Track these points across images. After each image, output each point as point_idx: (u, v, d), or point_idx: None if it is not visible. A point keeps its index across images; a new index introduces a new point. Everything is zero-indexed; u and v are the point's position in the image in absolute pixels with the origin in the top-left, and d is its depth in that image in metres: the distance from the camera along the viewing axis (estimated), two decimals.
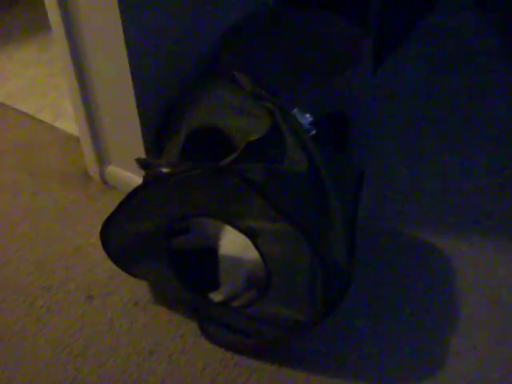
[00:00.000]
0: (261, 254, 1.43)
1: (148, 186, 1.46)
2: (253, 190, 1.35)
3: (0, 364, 1.57)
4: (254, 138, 1.43)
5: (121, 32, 1.54)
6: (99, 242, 1.81)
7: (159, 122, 1.76)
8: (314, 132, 1.56)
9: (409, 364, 1.55)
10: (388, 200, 1.94)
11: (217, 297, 1.60)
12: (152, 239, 1.54)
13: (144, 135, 1.75)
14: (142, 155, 1.79)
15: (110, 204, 1.93)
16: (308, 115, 1.58)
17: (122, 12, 1.51)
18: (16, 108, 2.33)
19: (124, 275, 1.66)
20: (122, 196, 1.92)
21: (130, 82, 1.64)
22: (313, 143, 1.51)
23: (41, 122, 2.27)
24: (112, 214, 1.53)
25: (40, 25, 2.62)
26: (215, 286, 1.62)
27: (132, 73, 1.62)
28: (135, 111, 1.70)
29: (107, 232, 1.57)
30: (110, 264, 1.74)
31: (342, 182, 1.53)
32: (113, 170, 1.96)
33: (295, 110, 1.56)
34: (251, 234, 1.41)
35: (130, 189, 1.89)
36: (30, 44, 2.65)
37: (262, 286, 1.50)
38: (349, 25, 1.92)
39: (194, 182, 1.40)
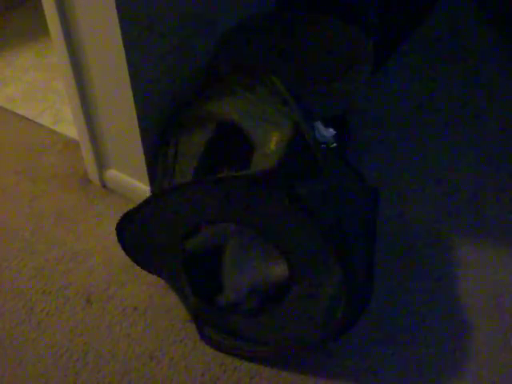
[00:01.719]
0: (289, 268, 1.42)
1: (178, 189, 1.47)
2: (297, 206, 1.32)
3: (0, 368, 1.57)
4: (283, 149, 1.40)
5: (120, 37, 1.54)
6: (99, 247, 1.82)
7: (159, 126, 1.76)
8: (334, 145, 1.55)
9: (407, 369, 1.55)
10: (388, 203, 1.93)
11: (219, 300, 1.59)
12: (170, 241, 1.53)
13: (143, 139, 1.75)
14: (142, 159, 1.79)
15: (109, 208, 1.94)
16: (331, 129, 1.57)
17: (121, 17, 1.51)
18: (16, 112, 2.33)
19: (123, 280, 1.66)
20: (122, 200, 1.94)
21: (128, 86, 1.64)
22: (332, 157, 1.51)
23: (41, 126, 2.27)
24: (135, 209, 1.53)
25: (39, 30, 2.62)
26: (219, 290, 1.60)
27: (131, 77, 1.62)
28: (134, 115, 1.70)
29: (124, 227, 1.57)
30: (109, 269, 1.75)
31: (358, 198, 1.52)
32: (112, 173, 1.96)
33: (318, 123, 1.55)
34: (284, 248, 1.41)
35: (129, 193, 1.91)
36: (30, 49, 2.65)
37: (276, 297, 1.49)
38: (349, 27, 1.92)
39: (228, 191, 1.38)
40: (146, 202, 1.51)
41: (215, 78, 1.76)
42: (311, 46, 1.86)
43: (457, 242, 1.82)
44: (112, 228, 1.87)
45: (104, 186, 2.00)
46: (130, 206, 1.90)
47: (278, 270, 1.49)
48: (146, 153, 1.78)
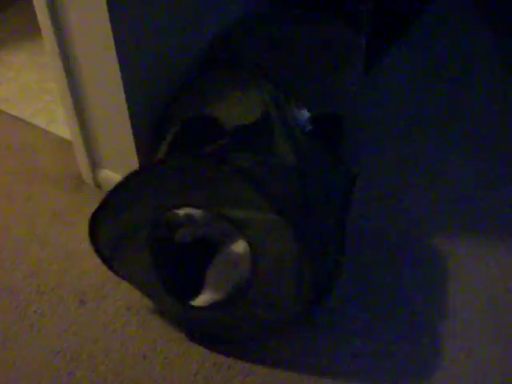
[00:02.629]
0: (249, 245, 1.41)
1: (135, 175, 1.44)
2: (244, 179, 1.33)
3: None
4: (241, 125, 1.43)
5: (111, 37, 1.55)
6: (91, 247, 1.82)
7: (151, 125, 1.76)
8: (309, 128, 1.55)
9: (404, 366, 1.55)
10: (382, 201, 1.94)
11: (198, 302, 1.57)
12: (139, 233, 1.50)
13: (136, 138, 1.75)
14: (134, 158, 1.79)
15: None
16: (306, 111, 1.58)
17: (112, 17, 1.51)
18: (9, 113, 2.33)
19: (117, 280, 1.66)
20: None
21: (120, 86, 1.64)
22: (305, 139, 1.51)
23: (34, 126, 2.26)
24: (99, 207, 1.51)
25: (32, 30, 2.60)
26: (197, 292, 1.59)
27: (123, 77, 1.62)
28: (127, 115, 1.70)
29: (95, 226, 1.55)
30: (103, 268, 1.74)
31: (330, 180, 1.53)
32: (106, 173, 1.96)
33: (293, 105, 1.56)
34: (240, 225, 1.40)
35: None
36: (23, 49, 2.65)
37: (245, 282, 1.47)
38: (342, 26, 1.92)
39: (181, 170, 1.38)
40: (115, 187, 1.49)
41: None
42: (303, 44, 1.87)
43: (450, 238, 1.83)
44: None
45: (97, 185, 2.00)
46: None
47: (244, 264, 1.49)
48: (139, 153, 1.78)
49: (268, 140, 1.46)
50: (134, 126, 1.72)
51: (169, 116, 1.72)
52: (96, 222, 1.55)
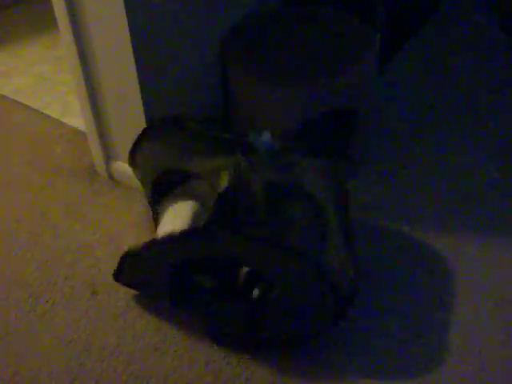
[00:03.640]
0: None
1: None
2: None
3: (5, 358, 1.58)
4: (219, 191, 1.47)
5: (127, 29, 1.55)
6: (105, 238, 1.83)
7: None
8: (274, 148, 1.56)
9: (411, 363, 1.55)
10: (390, 199, 1.93)
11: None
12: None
13: None
14: None
15: (116, 199, 1.95)
16: (266, 133, 1.57)
17: (128, 9, 1.51)
18: (24, 103, 2.34)
19: None
20: (128, 191, 1.95)
21: (135, 78, 1.64)
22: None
23: (48, 117, 2.27)
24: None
25: (47, 22, 2.62)
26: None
27: (138, 69, 1.62)
28: (141, 107, 1.71)
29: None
30: (115, 260, 1.75)
31: (330, 192, 1.55)
32: (119, 165, 1.97)
33: (250, 135, 1.56)
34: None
35: (136, 184, 1.91)
36: (38, 41, 2.66)
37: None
38: (356, 22, 1.91)
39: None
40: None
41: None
42: (318, 40, 1.86)
43: (459, 238, 1.82)
44: (118, 219, 1.89)
45: (111, 177, 2.01)
46: (136, 198, 1.93)
47: None
48: None
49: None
50: (148, 118, 1.72)
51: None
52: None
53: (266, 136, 1.54)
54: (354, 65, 1.78)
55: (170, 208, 1.62)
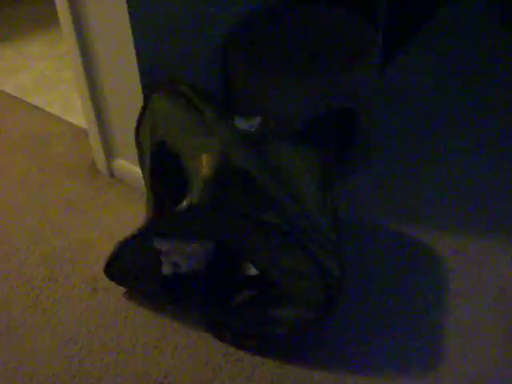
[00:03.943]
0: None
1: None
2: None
3: (5, 355, 1.59)
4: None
5: (129, 26, 1.55)
6: (106, 235, 1.83)
7: None
8: (252, 129, 1.54)
9: (410, 362, 1.55)
10: (391, 199, 1.93)
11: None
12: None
13: None
14: None
15: (117, 197, 1.95)
16: (257, 118, 1.55)
17: (130, 7, 1.51)
18: (25, 101, 2.34)
19: None
20: (129, 189, 1.95)
21: (137, 76, 1.65)
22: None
23: (50, 114, 2.28)
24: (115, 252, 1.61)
25: (50, 19, 2.63)
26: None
27: (139, 67, 1.62)
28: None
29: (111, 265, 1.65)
30: None
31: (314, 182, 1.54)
32: (120, 163, 1.97)
33: (237, 119, 1.54)
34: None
35: (137, 182, 1.92)
36: (40, 38, 2.66)
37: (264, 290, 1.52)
38: (358, 21, 1.91)
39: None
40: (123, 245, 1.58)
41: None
42: (319, 38, 1.86)
43: (460, 237, 1.82)
44: (119, 217, 1.89)
45: (112, 175, 2.01)
46: (137, 195, 1.93)
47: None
48: None
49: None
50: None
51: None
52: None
53: (256, 120, 1.53)
54: (356, 63, 1.78)
55: None
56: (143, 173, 1.71)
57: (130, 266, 1.62)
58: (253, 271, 1.57)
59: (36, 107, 2.31)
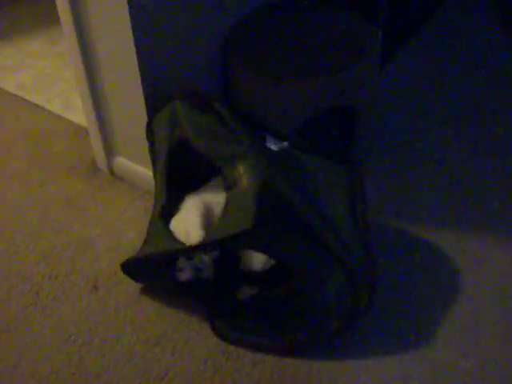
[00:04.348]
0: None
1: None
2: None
3: (5, 352, 1.59)
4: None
5: (129, 25, 1.55)
6: (106, 233, 1.84)
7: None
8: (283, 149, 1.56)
9: (409, 359, 1.55)
10: (392, 196, 1.94)
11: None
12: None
13: None
14: None
15: (117, 195, 1.95)
16: (284, 143, 1.57)
17: (131, 5, 1.52)
18: (26, 99, 2.35)
19: None
20: (129, 187, 1.95)
21: (137, 75, 1.65)
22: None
23: (50, 112, 2.28)
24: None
25: (50, 17, 2.63)
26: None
27: (140, 65, 1.63)
28: (143, 103, 1.71)
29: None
30: (115, 254, 1.76)
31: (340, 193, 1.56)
32: (120, 161, 1.97)
33: (268, 139, 1.55)
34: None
35: (137, 180, 1.92)
36: (40, 36, 2.67)
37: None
38: (358, 17, 1.92)
39: None
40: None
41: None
42: (319, 36, 1.86)
43: (461, 234, 1.82)
44: (119, 214, 1.90)
45: (112, 173, 2.01)
46: (137, 194, 1.93)
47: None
48: None
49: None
50: (149, 114, 1.72)
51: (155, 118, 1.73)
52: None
53: (285, 142, 1.55)
54: (356, 62, 1.78)
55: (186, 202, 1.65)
56: (152, 160, 1.72)
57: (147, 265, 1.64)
58: (255, 266, 1.58)
59: (36, 105, 2.31)
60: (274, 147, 1.52)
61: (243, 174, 1.45)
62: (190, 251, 1.52)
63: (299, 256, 1.46)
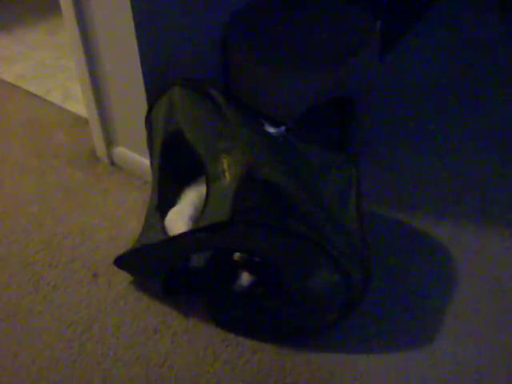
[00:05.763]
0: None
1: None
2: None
3: (6, 340, 1.60)
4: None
5: (130, 14, 1.55)
6: (106, 222, 1.85)
7: None
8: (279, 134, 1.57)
9: (407, 348, 1.56)
10: (390, 187, 1.94)
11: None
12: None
13: None
14: None
15: (117, 184, 1.96)
16: (282, 127, 1.58)
17: None
18: (26, 89, 2.34)
19: None
20: (129, 177, 1.96)
21: (138, 64, 1.65)
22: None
23: (50, 103, 2.28)
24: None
25: (50, 7, 2.63)
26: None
27: (141, 55, 1.63)
28: (143, 93, 1.71)
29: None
30: (115, 243, 1.77)
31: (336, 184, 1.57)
32: (120, 151, 1.98)
33: (266, 125, 1.56)
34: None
35: (137, 170, 1.93)
36: (39, 27, 2.66)
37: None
38: (357, 9, 1.92)
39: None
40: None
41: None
42: (318, 28, 1.87)
43: (458, 226, 1.83)
44: (119, 204, 1.90)
45: (112, 163, 2.02)
46: (137, 183, 1.94)
47: None
48: None
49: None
50: (150, 104, 1.73)
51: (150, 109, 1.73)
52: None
53: (282, 127, 1.56)
54: (356, 52, 1.78)
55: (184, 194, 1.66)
56: (150, 150, 1.73)
57: (142, 261, 1.65)
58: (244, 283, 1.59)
59: (36, 95, 2.31)
60: (271, 130, 1.53)
61: (227, 170, 1.46)
62: (170, 243, 1.53)
63: (280, 248, 1.44)
